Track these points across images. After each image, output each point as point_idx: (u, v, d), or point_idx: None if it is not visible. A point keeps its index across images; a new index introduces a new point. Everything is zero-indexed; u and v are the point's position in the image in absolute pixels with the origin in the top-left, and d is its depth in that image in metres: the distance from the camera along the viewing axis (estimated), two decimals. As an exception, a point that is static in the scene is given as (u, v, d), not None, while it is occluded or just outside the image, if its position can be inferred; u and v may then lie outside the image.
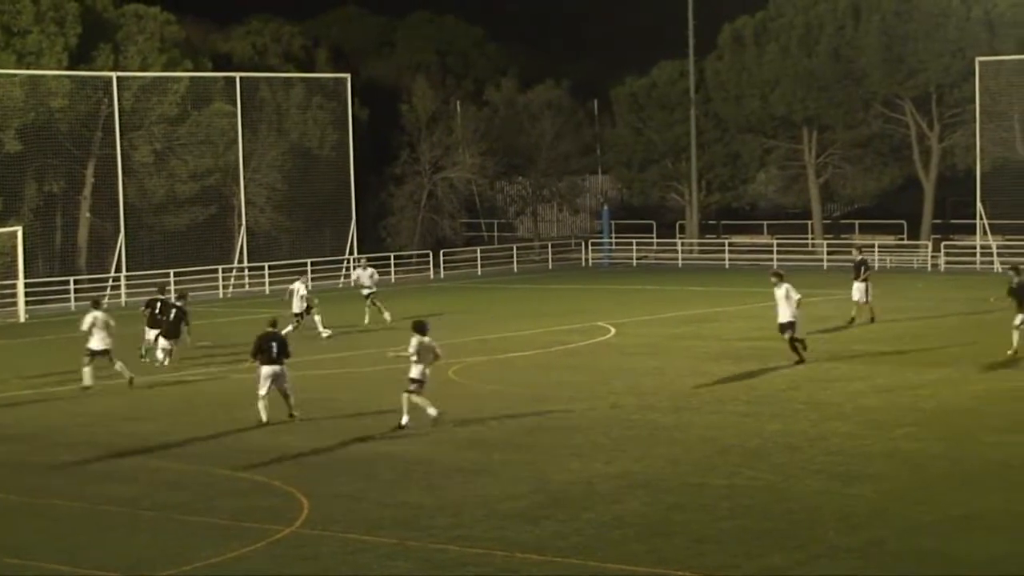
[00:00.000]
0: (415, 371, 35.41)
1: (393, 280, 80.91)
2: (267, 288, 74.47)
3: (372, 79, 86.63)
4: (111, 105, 75.50)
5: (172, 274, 71.60)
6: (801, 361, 44.70)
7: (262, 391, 36.38)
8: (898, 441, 33.25)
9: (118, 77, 76.24)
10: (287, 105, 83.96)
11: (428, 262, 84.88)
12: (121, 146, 75.41)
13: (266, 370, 36.32)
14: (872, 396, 39.37)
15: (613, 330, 55.05)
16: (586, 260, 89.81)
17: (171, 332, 47.26)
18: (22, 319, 65.12)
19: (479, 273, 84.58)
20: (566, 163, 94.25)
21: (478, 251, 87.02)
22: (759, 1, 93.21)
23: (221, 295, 74.28)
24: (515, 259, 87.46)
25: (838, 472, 30.06)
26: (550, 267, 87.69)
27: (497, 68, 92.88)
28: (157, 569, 24.05)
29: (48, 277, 71.72)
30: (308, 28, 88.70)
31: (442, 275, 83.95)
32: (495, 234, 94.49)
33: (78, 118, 76.10)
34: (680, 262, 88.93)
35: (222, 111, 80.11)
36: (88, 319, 43.18)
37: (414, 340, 35.36)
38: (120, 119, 75.48)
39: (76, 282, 72.37)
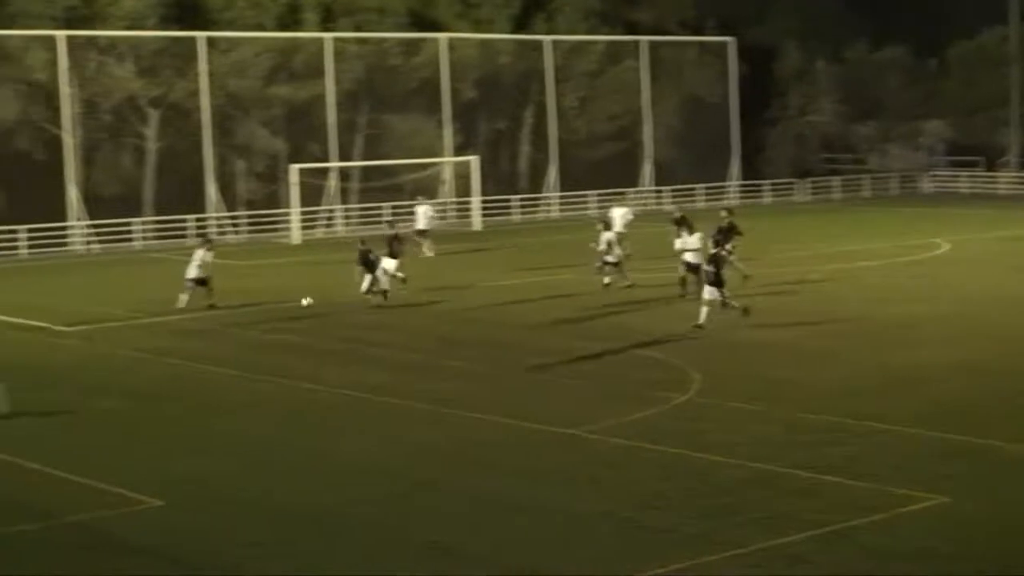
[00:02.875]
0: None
1: (767, 201, 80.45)
2: (667, 206, 74.74)
3: (751, 42, 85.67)
4: (545, 62, 76.36)
5: (592, 194, 72.57)
6: None
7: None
8: None
9: (551, 40, 77.09)
10: (682, 63, 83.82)
11: (795, 188, 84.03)
12: (553, 94, 76.28)
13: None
14: None
15: (947, 246, 53.79)
16: (924, 188, 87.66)
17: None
18: (477, 228, 66.55)
19: (837, 197, 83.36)
20: (908, 109, 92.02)
21: (836, 180, 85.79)
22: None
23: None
24: (866, 187, 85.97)
25: None
26: (895, 193, 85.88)
27: (853, 32, 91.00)
28: (576, 425, 24.59)
29: (496, 196, 73.06)
30: (700, 1, 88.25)
31: (806, 198, 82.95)
32: (850, 166, 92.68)
33: (519, 72, 77.25)
34: (1002, 192, 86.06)
35: (631, 67, 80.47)
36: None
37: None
38: (553, 73, 76.33)
39: (521, 200, 73.84)
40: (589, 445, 23.41)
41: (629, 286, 41.63)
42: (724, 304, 34.33)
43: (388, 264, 40.60)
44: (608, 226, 43.77)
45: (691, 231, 39.40)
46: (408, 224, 54.45)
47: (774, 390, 27.28)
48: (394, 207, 64.39)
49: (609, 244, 42.55)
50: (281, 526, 19.04)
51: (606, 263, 42.36)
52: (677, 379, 28.57)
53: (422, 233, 54.51)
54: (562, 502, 19.97)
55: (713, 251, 35.39)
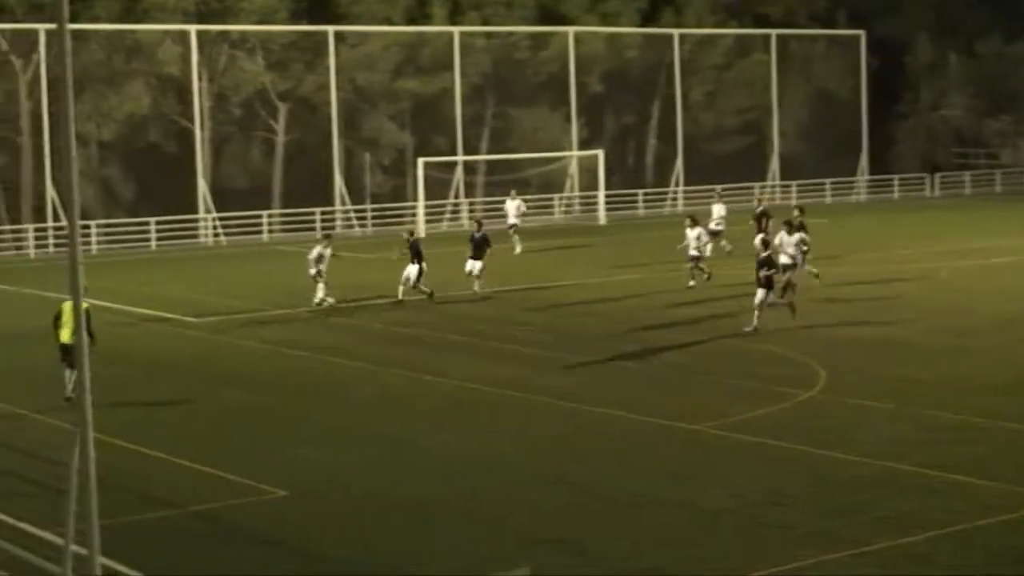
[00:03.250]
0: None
1: (896, 197, 79.50)
2: (794, 201, 74.09)
3: (881, 35, 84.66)
4: (672, 55, 76.02)
5: (718, 188, 71.94)
6: None
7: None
8: None
9: (678, 34, 76.69)
10: (812, 56, 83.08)
11: (925, 183, 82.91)
12: (680, 88, 75.92)
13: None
14: None
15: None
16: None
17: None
18: (602, 222, 66.43)
19: (968, 193, 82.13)
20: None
21: (967, 175, 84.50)
22: None
23: (757, 206, 74.05)
24: (998, 182, 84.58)
25: None
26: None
27: (985, 25, 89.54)
28: (699, 421, 24.43)
29: (621, 190, 72.87)
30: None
31: (936, 193, 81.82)
32: (981, 161, 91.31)
33: (647, 65, 76.98)
34: None
35: (760, 61, 79.84)
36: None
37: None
38: (680, 66, 75.96)
39: (645, 195, 73.58)
40: (713, 441, 23.23)
41: (707, 278, 41.28)
42: (770, 305, 33.78)
43: (473, 266, 40.82)
44: (695, 222, 42.89)
45: (791, 230, 38.27)
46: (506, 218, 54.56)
47: (901, 387, 26.90)
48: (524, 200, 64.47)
49: (699, 238, 41.96)
50: (404, 519, 19.09)
51: (693, 259, 41.66)
52: (802, 375, 28.28)
53: (512, 228, 53.58)
54: (685, 498, 19.84)
55: (765, 253, 34.19)
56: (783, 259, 36.99)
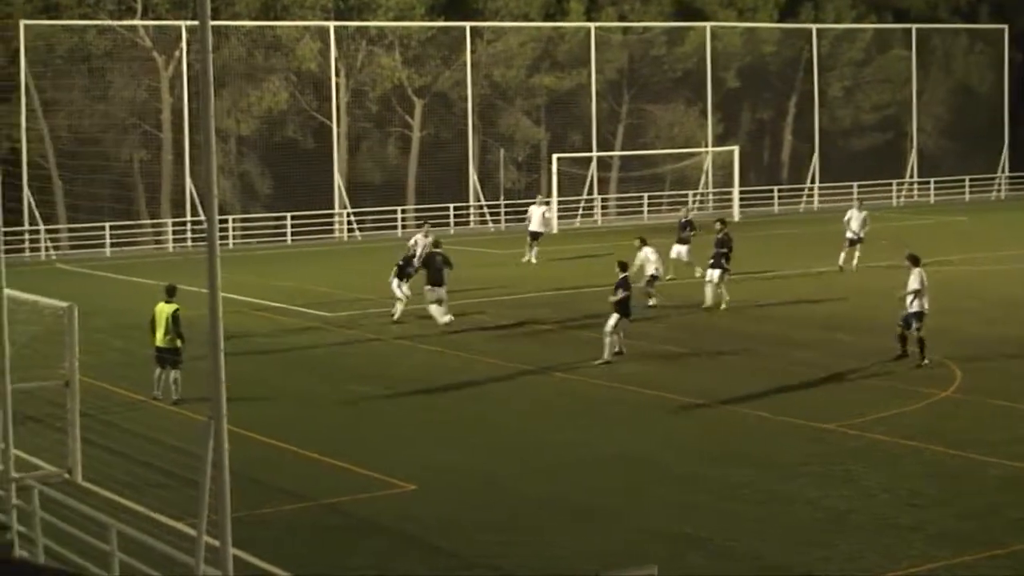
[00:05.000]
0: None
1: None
2: (932, 198, 73.06)
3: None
4: (811, 51, 75.34)
5: (855, 186, 71.32)
6: None
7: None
8: None
9: (817, 28, 76.00)
10: (954, 50, 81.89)
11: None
12: (818, 83, 75.22)
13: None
14: None
15: None
16: None
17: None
18: (736, 218, 65.94)
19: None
20: None
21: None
22: None
23: (894, 203, 73.24)
24: None
25: None
26: None
27: None
28: (832, 420, 24.22)
29: (756, 186, 72.39)
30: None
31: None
32: None
33: (784, 61, 76.37)
34: None
35: (899, 56, 78.81)
36: None
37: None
38: (818, 62, 75.25)
39: (780, 191, 73.01)
40: (846, 440, 23.02)
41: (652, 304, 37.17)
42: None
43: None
44: (644, 242, 37.09)
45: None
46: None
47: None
48: (650, 197, 64.35)
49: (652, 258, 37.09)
50: (530, 515, 19.16)
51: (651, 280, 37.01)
52: (937, 375, 27.92)
53: (535, 237, 49.26)
54: (816, 497, 19.69)
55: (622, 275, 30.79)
56: (650, 270, 36.11)
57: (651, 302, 36.62)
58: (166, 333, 26.33)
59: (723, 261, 36.90)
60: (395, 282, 36.11)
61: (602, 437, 23.71)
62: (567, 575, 16.61)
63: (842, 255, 44.80)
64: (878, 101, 78.95)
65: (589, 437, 23.74)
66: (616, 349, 30.19)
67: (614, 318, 30.11)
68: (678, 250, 42.76)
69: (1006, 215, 65.81)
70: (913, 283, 29.24)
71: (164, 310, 26.47)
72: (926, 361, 28.70)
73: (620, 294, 30.20)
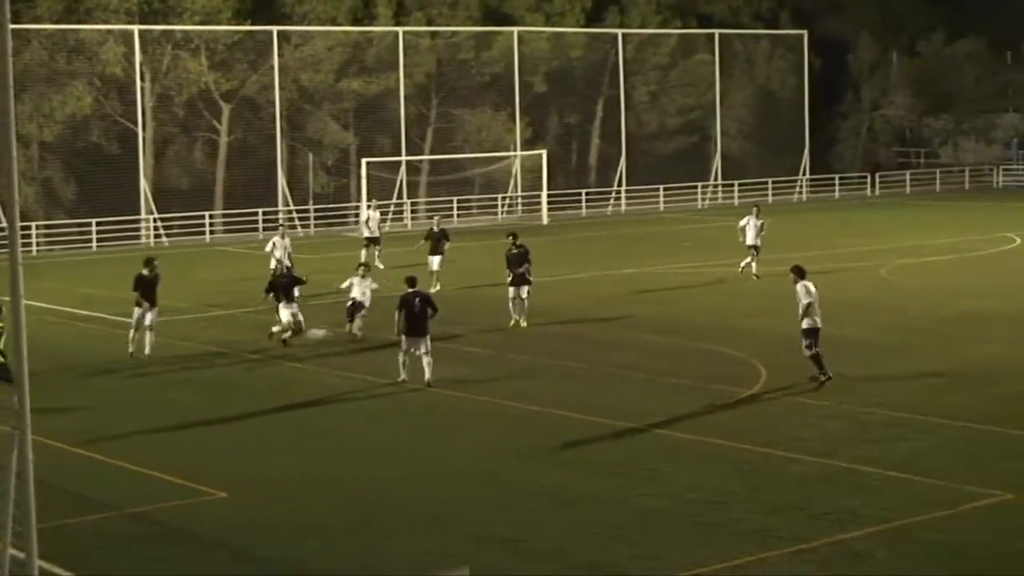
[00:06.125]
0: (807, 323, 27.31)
1: (837, 196, 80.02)
2: (736, 201, 74.34)
3: (824, 34, 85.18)
4: (617, 55, 76.25)
5: (661, 189, 72.46)
6: None
7: None
8: None
9: (623, 33, 76.96)
10: (755, 56, 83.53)
11: (866, 182, 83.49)
12: (624, 87, 76.14)
13: None
14: None
15: (1018, 240, 53.23)
16: (997, 183, 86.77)
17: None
18: (545, 222, 66.45)
19: (907, 192, 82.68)
20: (982, 103, 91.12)
21: (907, 174, 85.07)
22: None
23: (699, 206, 74.46)
24: (938, 181, 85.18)
25: None
26: (966, 188, 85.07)
27: (928, 25, 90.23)
28: (645, 420, 24.54)
29: (564, 190, 73.01)
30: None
31: (877, 193, 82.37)
32: (921, 160, 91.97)
33: (591, 65, 77.17)
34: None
35: (703, 60, 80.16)
36: None
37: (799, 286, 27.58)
38: (623, 66, 76.19)
39: (588, 195, 73.71)
40: (654, 440, 23.33)
41: None
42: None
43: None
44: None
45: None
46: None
47: (842, 385, 27.03)
48: (460, 200, 64.64)
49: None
50: (348, 519, 19.14)
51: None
52: (743, 374, 28.42)
53: (372, 241, 48.44)
54: (624, 496, 19.92)
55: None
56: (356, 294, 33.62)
57: (354, 330, 33.45)
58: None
59: (527, 275, 35.18)
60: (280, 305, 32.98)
61: (433, 445, 23.66)
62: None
63: (747, 260, 43.02)
64: (683, 105, 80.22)
65: (416, 443, 23.72)
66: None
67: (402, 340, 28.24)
68: (435, 260, 41.96)
69: (807, 216, 67.34)
70: (803, 297, 27.21)
71: None
72: (825, 377, 27.00)
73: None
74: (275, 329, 32.91)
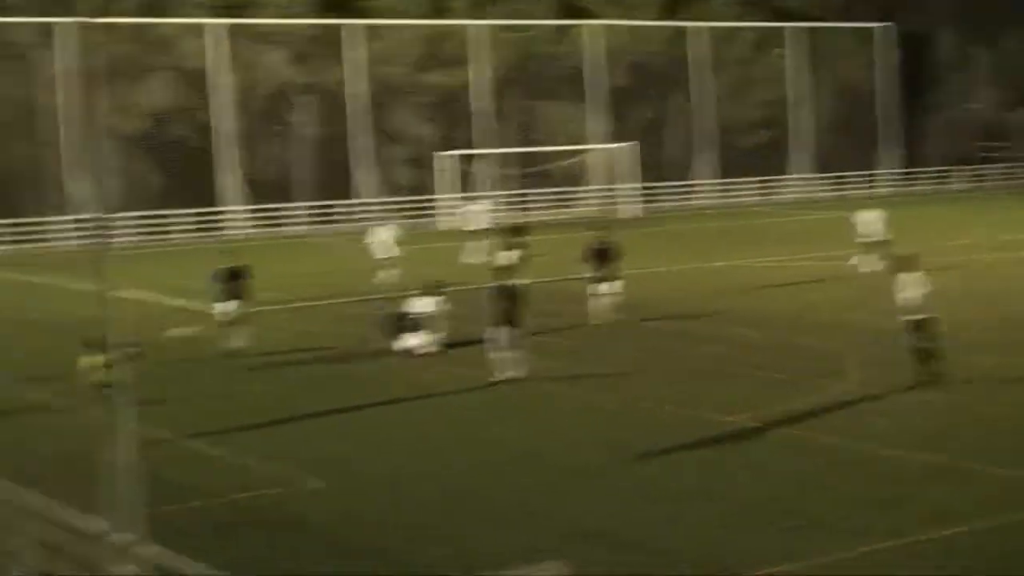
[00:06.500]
0: None
1: (924, 190, 79.39)
2: (819, 194, 73.88)
3: (908, 28, 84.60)
4: (696, 49, 75.98)
5: (744, 182, 72.24)
6: None
7: None
8: None
9: (701, 27, 76.67)
10: (837, 49, 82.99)
11: (949, 176, 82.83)
12: (705, 81, 75.85)
13: None
14: None
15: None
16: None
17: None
18: (626, 216, 66.21)
19: (992, 186, 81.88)
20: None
21: (991, 168, 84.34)
22: None
23: (782, 199, 74.14)
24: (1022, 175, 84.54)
25: None
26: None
27: (1012, 18, 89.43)
28: (738, 413, 24.30)
29: (645, 183, 72.75)
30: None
31: (963, 186, 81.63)
32: (1005, 154, 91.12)
33: (671, 59, 76.98)
34: None
35: (783, 54, 79.84)
36: None
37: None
38: (704, 60, 75.92)
39: (669, 188, 73.56)
40: (746, 434, 23.10)
41: None
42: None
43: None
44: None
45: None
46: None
47: (947, 379, 26.50)
48: (539, 194, 64.54)
49: None
50: (442, 512, 19.08)
51: None
52: (837, 368, 28.12)
53: (481, 234, 46.03)
54: (717, 490, 19.71)
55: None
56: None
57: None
58: None
59: (613, 272, 34.43)
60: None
61: (518, 433, 23.58)
62: (469, 572, 16.47)
63: (863, 255, 42.31)
64: (762, 98, 79.83)
65: (497, 432, 23.65)
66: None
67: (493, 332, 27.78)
68: (507, 256, 40.03)
69: (893, 211, 66.50)
70: (907, 289, 26.17)
71: None
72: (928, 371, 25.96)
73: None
74: None
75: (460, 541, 17.75)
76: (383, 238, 42.33)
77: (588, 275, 35.07)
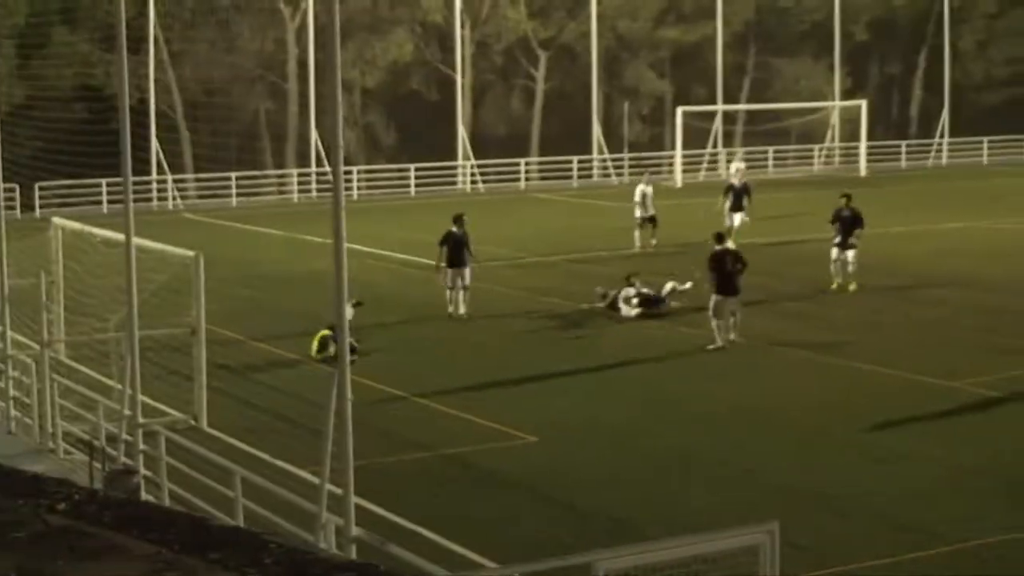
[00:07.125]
0: None
1: None
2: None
3: None
4: (942, 3, 74.16)
5: (986, 141, 70.39)
6: None
7: None
8: None
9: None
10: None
11: None
12: (949, 36, 74.02)
13: None
14: None
15: None
16: None
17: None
18: (863, 174, 65.09)
19: None
20: None
21: None
22: None
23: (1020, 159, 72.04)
24: None
25: None
26: None
27: None
28: (964, 378, 23.92)
29: (884, 141, 71.47)
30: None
31: None
32: None
33: (914, 13, 75.32)
34: None
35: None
36: None
37: None
38: (949, 14, 74.04)
39: (908, 146, 72.05)
40: (969, 399, 22.76)
41: None
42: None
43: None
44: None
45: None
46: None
47: None
48: (776, 151, 63.83)
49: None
50: (651, 468, 19.21)
51: None
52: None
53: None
54: (937, 455, 19.52)
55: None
56: None
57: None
58: None
59: (854, 240, 33.26)
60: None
61: (733, 393, 23.59)
62: (681, 529, 16.59)
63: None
64: (1011, 55, 77.55)
65: (719, 392, 23.68)
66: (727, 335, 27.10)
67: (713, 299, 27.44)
68: (736, 217, 40.41)
69: None
70: None
71: None
72: None
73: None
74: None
75: (678, 499, 17.90)
76: (645, 191, 40.41)
77: (833, 240, 33.84)
